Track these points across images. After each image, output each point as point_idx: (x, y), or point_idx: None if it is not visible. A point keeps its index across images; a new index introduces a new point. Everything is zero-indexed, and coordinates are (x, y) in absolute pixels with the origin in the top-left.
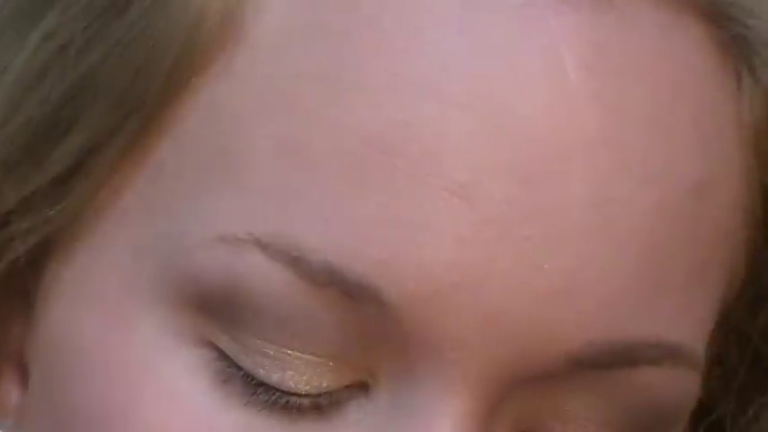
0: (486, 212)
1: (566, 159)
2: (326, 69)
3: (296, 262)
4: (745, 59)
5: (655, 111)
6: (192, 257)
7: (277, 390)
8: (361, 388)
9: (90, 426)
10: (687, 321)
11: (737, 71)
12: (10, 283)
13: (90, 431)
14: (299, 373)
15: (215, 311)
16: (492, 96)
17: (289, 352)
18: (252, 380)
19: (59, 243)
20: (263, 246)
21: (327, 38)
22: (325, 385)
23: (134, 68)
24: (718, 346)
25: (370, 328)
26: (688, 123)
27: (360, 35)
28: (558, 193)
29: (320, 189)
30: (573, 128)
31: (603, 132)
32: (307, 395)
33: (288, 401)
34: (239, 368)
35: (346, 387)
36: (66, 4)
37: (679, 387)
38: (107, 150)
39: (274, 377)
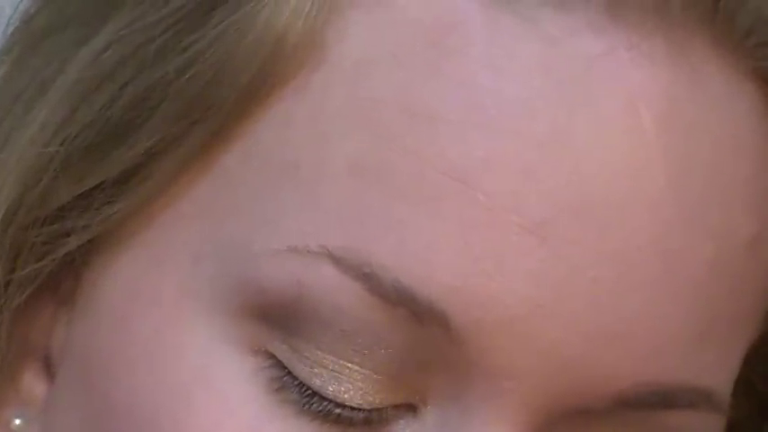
0: (557, 251)
1: (634, 207)
2: (407, 97)
3: (367, 278)
4: None
5: (717, 167)
6: (259, 266)
7: (330, 401)
8: (410, 408)
9: (133, 426)
10: (723, 369)
11: None
12: (45, 285)
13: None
14: (355, 387)
15: (276, 321)
16: (571, 140)
17: (348, 365)
18: (306, 390)
19: (111, 241)
20: (335, 259)
21: (409, 67)
22: (378, 401)
23: (207, 81)
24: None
25: (433, 352)
26: (746, 181)
27: (443, 68)
28: (625, 240)
29: (395, 210)
30: (645, 179)
31: (670, 186)
32: (359, 409)
33: (340, 414)
34: (294, 377)
35: (396, 406)
36: (141, 10)
37: (707, 429)
38: (171, 156)
39: (330, 389)
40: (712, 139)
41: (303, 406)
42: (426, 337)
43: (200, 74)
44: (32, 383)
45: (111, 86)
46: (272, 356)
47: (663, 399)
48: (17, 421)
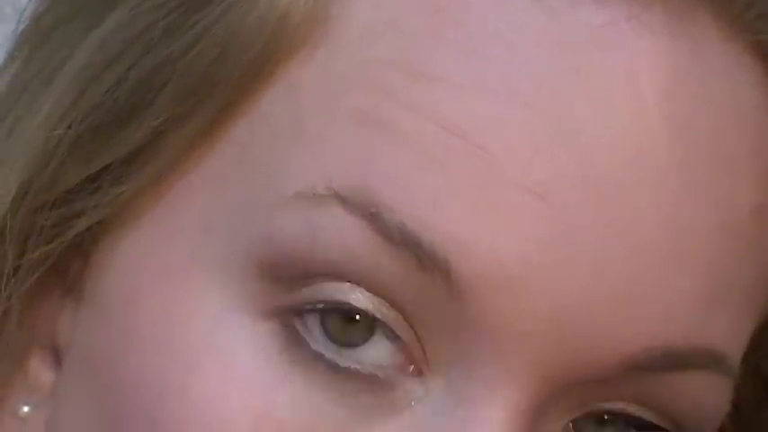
0: (560, 213)
1: (637, 177)
2: (410, 60)
3: (373, 218)
4: None
5: (720, 137)
6: (269, 218)
7: (337, 362)
8: (418, 374)
9: (143, 401)
10: (735, 334)
11: None
12: (52, 269)
13: (143, 406)
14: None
15: (286, 274)
16: (573, 108)
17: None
18: (314, 353)
19: (118, 223)
20: (342, 199)
21: (412, 33)
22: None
23: (213, 59)
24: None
25: (435, 306)
26: (750, 150)
27: (446, 35)
28: (628, 208)
29: (400, 157)
30: (646, 147)
31: (674, 155)
32: (366, 369)
33: (346, 374)
34: (303, 341)
35: (402, 371)
36: None
37: (718, 394)
38: (178, 134)
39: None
40: (714, 110)
41: (310, 370)
42: (429, 288)
43: (205, 52)
44: (40, 371)
45: (118, 68)
46: (283, 321)
47: (675, 361)
48: (25, 408)
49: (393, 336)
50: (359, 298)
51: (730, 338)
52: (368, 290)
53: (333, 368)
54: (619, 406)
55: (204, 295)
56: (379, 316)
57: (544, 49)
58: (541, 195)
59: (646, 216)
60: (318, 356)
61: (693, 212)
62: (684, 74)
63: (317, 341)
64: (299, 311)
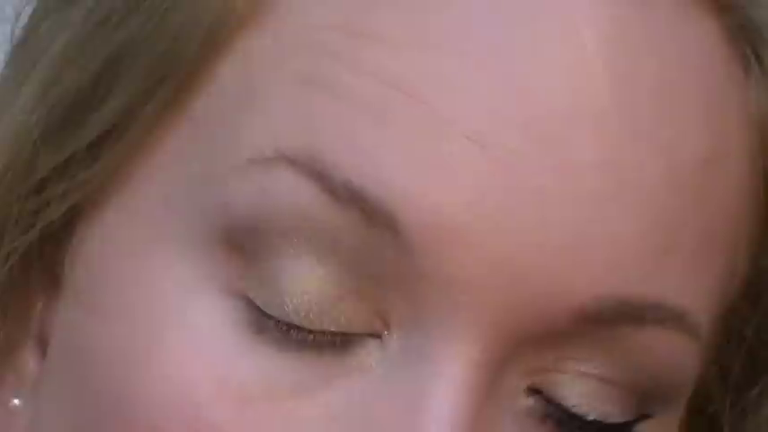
0: (500, 161)
1: (578, 122)
2: (351, 22)
3: (320, 177)
4: (753, 50)
5: (665, 85)
6: (223, 186)
7: (296, 327)
8: (375, 337)
9: (111, 369)
10: (692, 288)
11: (745, 61)
12: (34, 258)
13: (111, 375)
14: (317, 304)
15: (242, 242)
16: (511, 57)
17: (309, 279)
18: (273, 322)
19: (88, 209)
20: (290, 161)
21: None
22: (340, 321)
23: (170, 36)
24: (717, 347)
25: (385, 258)
26: (696, 101)
27: None
28: (568, 153)
29: (344, 115)
30: (586, 93)
31: (615, 100)
32: (323, 332)
33: (304, 339)
34: (261, 312)
35: (360, 335)
36: None
37: (681, 354)
38: (142, 113)
39: (293, 313)
40: (659, 60)
41: (271, 337)
42: (378, 243)
43: (161, 32)
44: (29, 364)
45: (85, 56)
46: (242, 293)
47: (628, 314)
48: (15, 402)
49: (350, 300)
50: (315, 267)
51: (688, 293)
52: (323, 254)
53: (293, 333)
54: (579, 368)
55: (167, 269)
56: (335, 285)
57: (482, 2)
58: (483, 145)
59: (587, 161)
60: (279, 323)
61: (636, 158)
62: (627, 22)
63: (278, 309)
64: (260, 284)
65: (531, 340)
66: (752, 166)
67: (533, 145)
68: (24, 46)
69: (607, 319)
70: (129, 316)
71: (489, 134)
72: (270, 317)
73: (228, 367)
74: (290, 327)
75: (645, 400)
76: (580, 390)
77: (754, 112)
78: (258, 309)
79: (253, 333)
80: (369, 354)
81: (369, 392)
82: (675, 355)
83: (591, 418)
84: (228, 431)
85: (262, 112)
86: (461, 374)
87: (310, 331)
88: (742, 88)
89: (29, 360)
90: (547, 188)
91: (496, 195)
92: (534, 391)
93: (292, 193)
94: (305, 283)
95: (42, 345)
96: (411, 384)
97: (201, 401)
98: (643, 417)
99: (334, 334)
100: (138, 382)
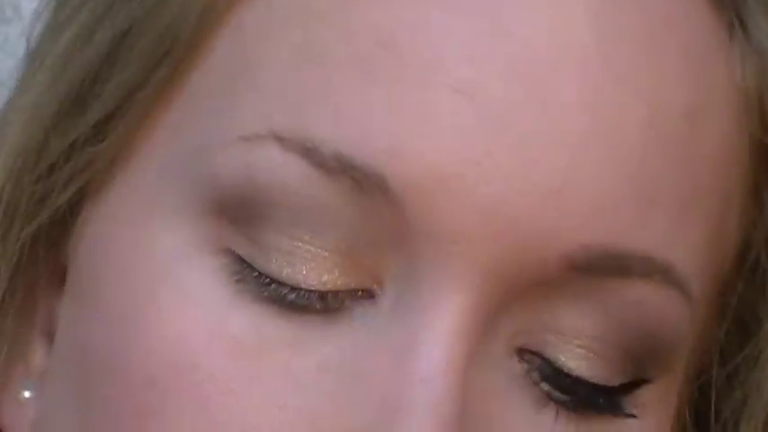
0: (485, 107)
1: (560, 67)
2: None
3: (309, 153)
4: (738, 15)
5: (649, 37)
6: (214, 160)
7: (287, 286)
8: (368, 295)
9: (110, 332)
10: (679, 243)
11: (729, 24)
12: (41, 247)
13: (110, 337)
14: (309, 267)
15: (232, 213)
16: (497, 8)
17: (299, 245)
18: (265, 279)
19: (92, 193)
20: (279, 139)
21: None
22: (332, 283)
23: (170, 12)
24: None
25: (379, 225)
26: (679, 51)
27: None
28: (552, 96)
29: (332, 83)
30: (569, 40)
31: (597, 46)
32: (315, 291)
33: (297, 299)
34: (253, 269)
35: (352, 292)
36: None
37: (670, 311)
38: (143, 92)
39: (284, 272)
40: (645, 15)
41: (261, 293)
42: (371, 209)
43: (160, 13)
44: (39, 356)
45: (91, 43)
46: (233, 252)
47: (615, 265)
48: (26, 394)
49: (345, 265)
50: (306, 240)
51: (675, 247)
52: (315, 227)
53: (285, 291)
54: (571, 324)
55: (161, 235)
56: (326, 254)
57: None
58: (468, 94)
59: (569, 102)
60: (271, 280)
61: (619, 104)
62: None
63: (269, 268)
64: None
65: (522, 290)
66: (737, 127)
67: (517, 90)
68: (39, 39)
69: (595, 270)
70: (126, 282)
71: (474, 82)
72: (260, 273)
73: (219, 320)
74: (280, 284)
75: (639, 363)
76: (572, 351)
77: (738, 75)
78: (248, 265)
79: (241, 288)
80: (364, 311)
81: (360, 345)
82: (665, 311)
83: (584, 378)
84: (222, 380)
85: (255, 88)
86: (453, 322)
87: (301, 289)
88: (726, 52)
89: (37, 351)
90: (531, 132)
91: (483, 144)
92: (526, 351)
93: (282, 171)
94: (292, 252)
95: (49, 337)
96: (402, 333)
97: (195, 352)
98: (642, 382)
99: (325, 292)
100: (134, 339)
